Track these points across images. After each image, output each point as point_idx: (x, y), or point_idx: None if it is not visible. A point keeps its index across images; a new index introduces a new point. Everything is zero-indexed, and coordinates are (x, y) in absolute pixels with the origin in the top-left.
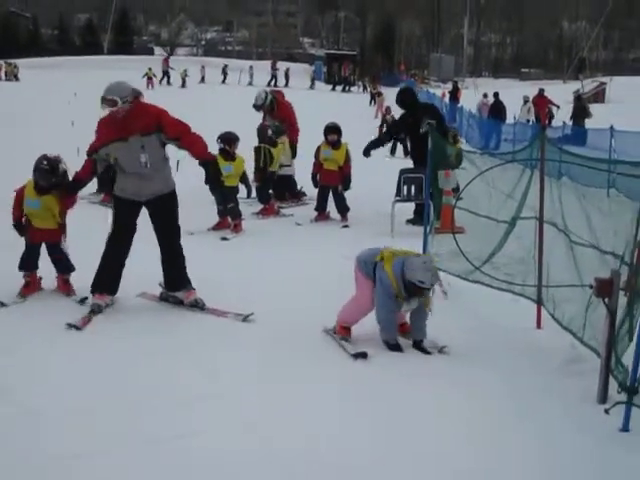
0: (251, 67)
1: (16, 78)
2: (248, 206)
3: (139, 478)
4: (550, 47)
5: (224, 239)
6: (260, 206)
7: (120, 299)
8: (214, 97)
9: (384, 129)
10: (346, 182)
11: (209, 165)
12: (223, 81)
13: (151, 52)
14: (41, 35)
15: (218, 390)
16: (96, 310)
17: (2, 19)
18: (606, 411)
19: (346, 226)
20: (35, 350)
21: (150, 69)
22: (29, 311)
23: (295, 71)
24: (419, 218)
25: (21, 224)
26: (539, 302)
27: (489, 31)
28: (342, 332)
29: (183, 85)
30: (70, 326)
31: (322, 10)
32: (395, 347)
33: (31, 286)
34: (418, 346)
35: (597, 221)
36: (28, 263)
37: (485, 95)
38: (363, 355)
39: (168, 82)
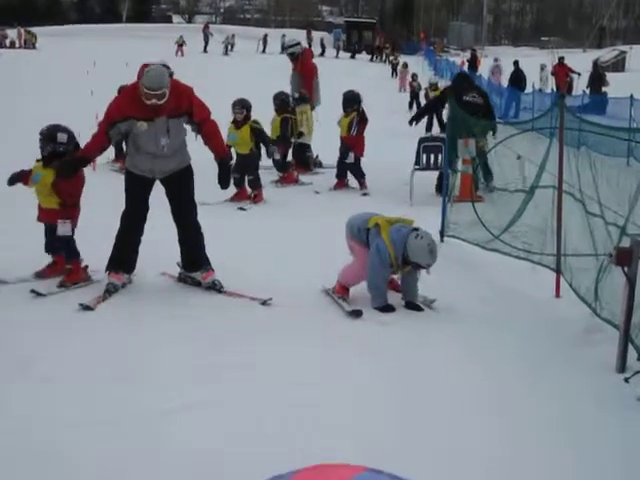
0: (265, 35)
1: (34, 46)
2: (268, 174)
3: (149, 449)
4: (570, 15)
5: (241, 209)
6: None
7: (137, 278)
8: (246, 66)
9: (414, 101)
10: (344, 151)
11: (226, 164)
12: (263, 51)
13: (170, 20)
14: (60, 3)
15: (228, 361)
16: (111, 290)
17: None
18: (626, 380)
19: (365, 194)
20: (49, 330)
21: (181, 37)
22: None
23: (316, 40)
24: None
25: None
26: (558, 271)
27: None
28: (340, 291)
29: (226, 52)
30: (82, 307)
31: None
32: (387, 309)
33: (54, 267)
34: (409, 306)
35: (615, 190)
36: (47, 245)
37: (496, 59)
38: (358, 313)
39: (205, 49)
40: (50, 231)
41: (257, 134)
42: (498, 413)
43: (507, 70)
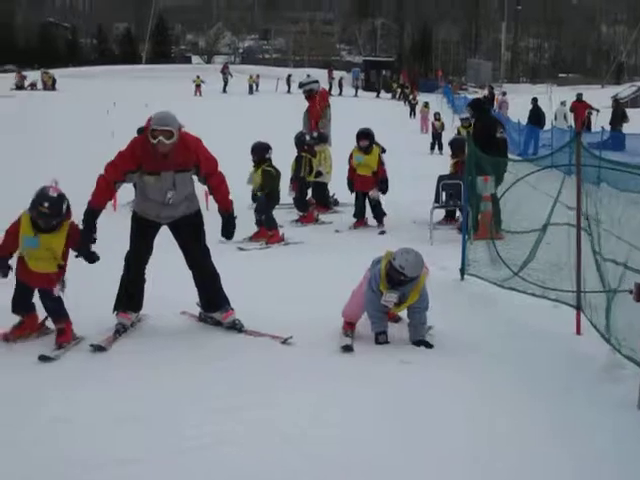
0: (289, 75)
1: (53, 87)
2: (288, 214)
3: None
4: (588, 52)
5: (240, 249)
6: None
7: (157, 317)
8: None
9: (436, 142)
10: (383, 185)
11: (229, 218)
12: (288, 91)
13: (189, 61)
14: (80, 45)
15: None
16: (121, 329)
17: (41, 30)
18: None
19: (383, 232)
20: (66, 368)
21: (198, 77)
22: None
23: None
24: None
25: (5, 261)
26: (578, 308)
27: (527, 36)
28: (345, 327)
29: (251, 92)
30: (94, 347)
31: (359, 17)
32: (381, 339)
33: (25, 326)
34: (418, 343)
35: (636, 227)
36: (21, 305)
37: (504, 93)
38: (347, 348)
39: (224, 90)
40: (43, 294)
41: (264, 177)
42: (516, 452)
43: (526, 107)
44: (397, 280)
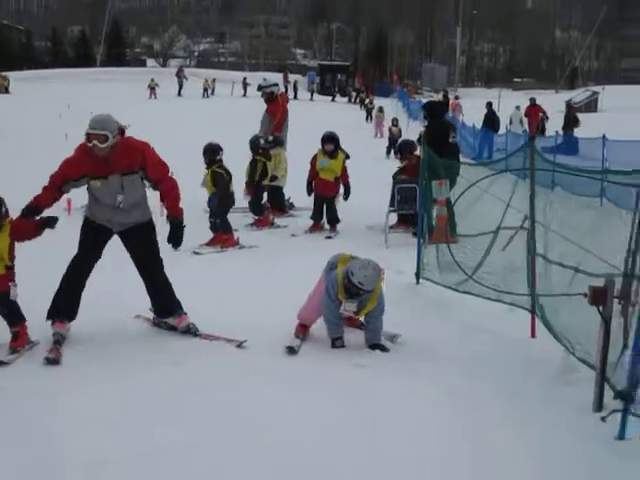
0: (245, 79)
1: (6, 90)
2: (243, 217)
3: None
4: (543, 56)
5: (196, 253)
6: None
7: (112, 324)
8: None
9: (392, 147)
10: (346, 191)
11: (177, 225)
12: (244, 94)
13: (144, 64)
14: (34, 48)
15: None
16: (60, 340)
17: None
18: (602, 419)
19: (329, 237)
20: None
21: (152, 80)
22: None
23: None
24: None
25: None
26: (533, 311)
27: (482, 41)
28: (299, 330)
29: (205, 95)
30: (49, 360)
31: (314, 21)
32: (337, 343)
33: None
34: (373, 347)
35: (588, 230)
36: None
37: (457, 97)
38: (291, 350)
39: (179, 93)
40: None
41: (214, 178)
42: (473, 452)
43: (480, 111)
44: (355, 292)
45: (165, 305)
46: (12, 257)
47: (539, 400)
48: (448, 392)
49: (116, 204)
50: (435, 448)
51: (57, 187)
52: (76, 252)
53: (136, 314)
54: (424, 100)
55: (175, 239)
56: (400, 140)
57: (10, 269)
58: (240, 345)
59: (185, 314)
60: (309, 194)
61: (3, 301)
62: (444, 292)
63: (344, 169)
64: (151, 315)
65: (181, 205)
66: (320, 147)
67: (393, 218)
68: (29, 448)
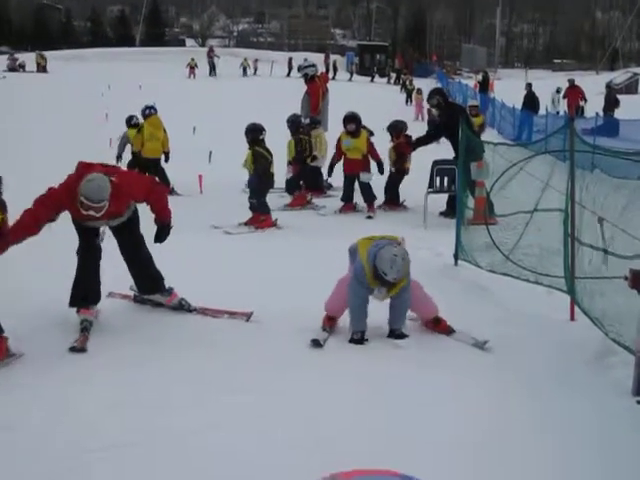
0: (291, 59)
1: (44, 69)
2: (280, 197)
3: (162, 470)
4: (583, 38)
5: (227, 232)
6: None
7: (123, 306)
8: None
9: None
10: (380, 167)
11: (164, 228)
12: (288, 74)
13: (183, 44)
14: (73, 27)
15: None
16: (88, 327)
17: (35, 12)
18: (638, 402)
19: (370, 217)
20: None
21: (193, 59)
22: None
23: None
24: (452, 210)
25: None
26: (572, 294)
27: (521, 22)
28: (325, 322)
29: (245, 74)
30: (74, 349)
31: (354, 1)
32: (357, 341)
33: None
34: (393, 334)
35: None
36: None
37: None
38: (317, 343)
39: (212, 72)
40: None
41: (255, 158)
42: (509, 437)
43: (520, 92)
44: (385, 283)
45: (148, 281)
46: None
47: (576, 383)
48: (482, 375)
49: (100, 233)
50: (465, 433)
51: (37, 223)
52: (79, 242)
53: (109, 291)
54: (464, 81)
55: (161, 238)
56: (391, 121)
57: None
58: (249, 319)
59: (174, 292)
60: (330, 175)
61: None
62: (482, 274)
63: (371, 145)
64: (129, 292)
65: (170, 207)
66: (343, 128)
67: (435, 200)
68: (63, 432)
